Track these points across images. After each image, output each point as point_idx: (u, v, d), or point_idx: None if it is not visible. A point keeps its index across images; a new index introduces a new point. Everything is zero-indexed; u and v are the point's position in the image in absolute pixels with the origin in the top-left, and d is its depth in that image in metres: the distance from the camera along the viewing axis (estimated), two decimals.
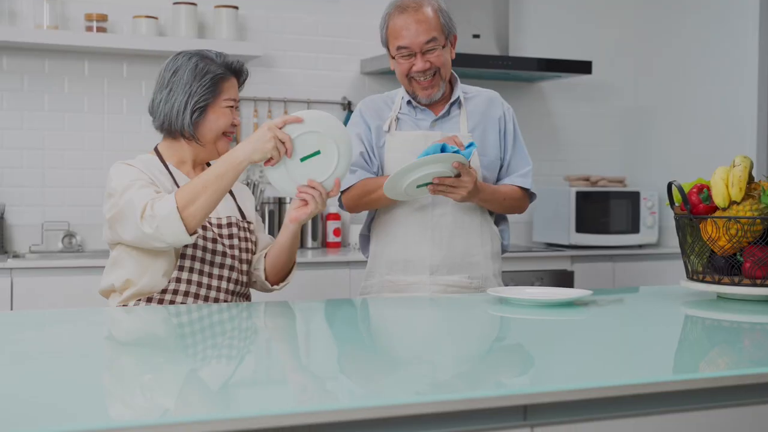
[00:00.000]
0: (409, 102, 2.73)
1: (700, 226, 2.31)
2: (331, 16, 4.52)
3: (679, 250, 4.52)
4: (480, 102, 2.76)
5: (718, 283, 2.28)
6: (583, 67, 4.58)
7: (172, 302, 2.31)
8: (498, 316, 2.14)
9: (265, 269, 2.46)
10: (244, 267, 2.43)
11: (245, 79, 2.46)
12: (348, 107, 4.52)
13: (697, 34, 4.66)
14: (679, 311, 2.25)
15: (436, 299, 2.50)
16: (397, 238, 2.72)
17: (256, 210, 2.65)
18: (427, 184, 2.49)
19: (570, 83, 4.97)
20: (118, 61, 4.14)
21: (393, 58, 2.66)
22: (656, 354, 1.70)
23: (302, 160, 2.25)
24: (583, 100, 5.04)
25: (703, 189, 2.33)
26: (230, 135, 2.41)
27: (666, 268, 4.58)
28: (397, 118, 2.73)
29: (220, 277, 2.36)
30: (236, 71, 2.41)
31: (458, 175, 2.47)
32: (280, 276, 2.49)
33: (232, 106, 2.38)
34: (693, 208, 2.32)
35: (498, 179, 2.77)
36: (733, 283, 2.26)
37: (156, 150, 2.44)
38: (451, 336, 1.95)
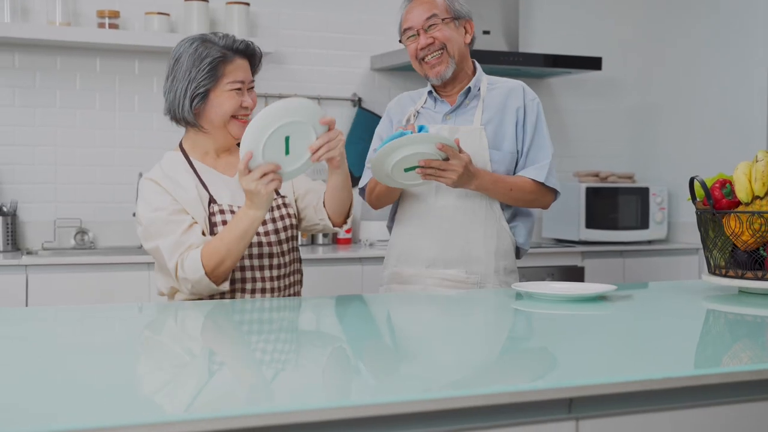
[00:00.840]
0: (430, 93, 2.75)
1: (723, 221, 2.31)
2: (341, 12, 4.52)
3: (688, 246, 4.59)
4: (499, 93, 2.73)
5: (741, 277, 2.29)
6: (592, 63, 4.58)
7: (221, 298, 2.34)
8: (526, 311, 2.15)
9: (329, 216, 2.47)
10: (285, 247, 2.42)
11: (259, 59, 2.41)
12: (358, 103, 4.52)
13: (707, 30, 4.67)
14: (702, 305, 2.26)
15: (458, 295, 2.51)
16: (405, 230, 2.75)
17: None
18: (415, 168, 2.46)
19: (579, 79, 4.98)
20: (130, 58, 4.14)
21: (404, 44, 2.71)
22: (689, 348, 1.71)
23: (287, 154, 2.21)
24: (592, 96, 5.05)
25: (726, 184, 2.34)
26: (242, 118, 2.35)
27: (676, 264, 4.59)
28: (417, 113, 2.75)
29: (261, 267, 2.37)
30: (242, 51, 2.35)
31: (447, 159, 2.45)
32: (343, 216, 2.50)
33: (239, 89, 2.33)
34: (716, 203, 2.33)
35: (515, 172, 2.72)
36: (756, 278, 2.27)
37: (180, 146, 2.44)
38: (481, 331, 1.95)
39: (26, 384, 1.33)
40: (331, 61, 4.51)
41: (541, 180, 2.67)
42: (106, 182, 4.11)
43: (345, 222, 2.52)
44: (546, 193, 2.71)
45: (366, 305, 2.34)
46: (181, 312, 2.12)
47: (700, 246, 4.64)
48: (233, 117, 2.34)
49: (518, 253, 2.79)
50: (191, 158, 2.41)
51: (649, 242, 4.70)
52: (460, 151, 2.48)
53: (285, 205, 2.45)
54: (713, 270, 2.38)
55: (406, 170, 2.47)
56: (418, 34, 2.65)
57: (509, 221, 2.73)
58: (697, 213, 2.42)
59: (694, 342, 1.80)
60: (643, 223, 4.66)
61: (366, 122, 4.49)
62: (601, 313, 2.09)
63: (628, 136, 5.14)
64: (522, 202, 2.69)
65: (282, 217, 2.42)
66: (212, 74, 2.29)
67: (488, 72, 4.49)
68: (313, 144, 2.22)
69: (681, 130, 4.84)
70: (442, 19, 2.64)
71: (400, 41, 2.73)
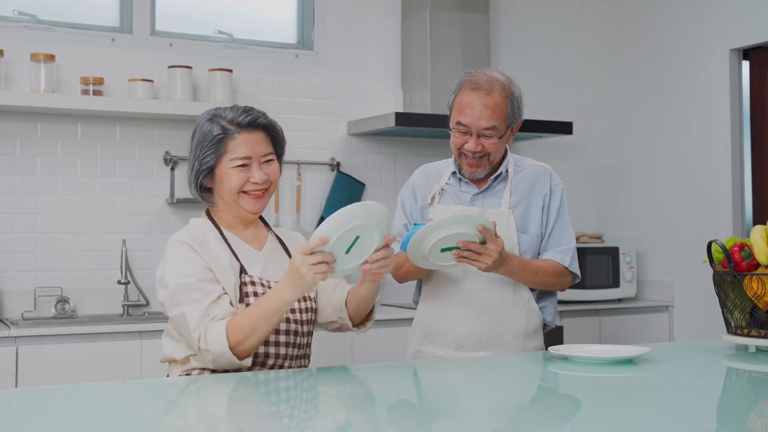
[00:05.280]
0: (455, 173, 2.75)
1: (745, 282, 2.41)
2: (318, 78, 4.58)
3: (658, 304, 4.72)
4: (526, 176, 2.73)
5: (765, 337, 2.38)
6: (563, 128, 4.71)
7: (237, 370, 2.28)
8: (570, 374, 2.19)
9: (350, 317, 2.41)
10: (305, 328, 2.38)
11: (274, 130, 2.35)
12: (337, 168, 4.56)
13: (672, 95, 4.86)
14: (726, 364, 2.37)
15: (493, 359, 2.53)
16: (432, 310, 2.74)
17: None
18: (451, 249, 2.46)
19: (547, 142, 5.10)
20: (112, 124, 4.10)
21: (450, 129, 2.67)
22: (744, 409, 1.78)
23: (347, 252, 2.16)
24: (560, 159, 5.17)
25: (744, 247, 2.44)
26: (254, 193, 2.31)
27: (647, 321, 4.72)
28: (442, 190, 2.74)
29: (277, 344, 2.32)
30: (245, 126, 2.29)
31: (484, 243, 2.46)
32: (364, 318, 2.44)
33: (244, 165, 2.28)
34: (736, 266, 2.43)
35: (537, 255, 2.72)
36: None
37: (207, 213, 2.42)
38: (541, 401, 1.98)
39: None
40: (309, 126, 4.55)
41: (566, 264, 2.69)
42: (87, 249, 4.04)
43: (365, 325, 2.45)
44: (566, 276, 2.72)
45: (431, 372, 2.35)
46: (211, 386, 2.10)
47: (670, 304, 4.79)
48: (243, 192, 2.31)
49: (543, 328, 2.79)
50: (221, 227, 2.39)
51: (620, 300, 4.81)
52: (496, 235, 2.48)
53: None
54: (734, 330, 2.47)
55: (443, 251, 2.46)
56: (470, 134, 2.61)
57: (538, 301, 2.73)
58: (715, 276, 2.51)
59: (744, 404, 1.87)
60: (614, 282, 4.78)
61: (345, 186, 4.53)
62: (643, 375, 2.15)
63: (596, 197, 5.28)
64: (544, 285, 2.70)
65: (306, 299, 2.40)
66: (215, 151, 2.28)
67: None
68: (373, 255, 2.19)
69: (647, 191, 5.00)
70: (500, 137, 2.62)
71: (450, 123, 2.66)
